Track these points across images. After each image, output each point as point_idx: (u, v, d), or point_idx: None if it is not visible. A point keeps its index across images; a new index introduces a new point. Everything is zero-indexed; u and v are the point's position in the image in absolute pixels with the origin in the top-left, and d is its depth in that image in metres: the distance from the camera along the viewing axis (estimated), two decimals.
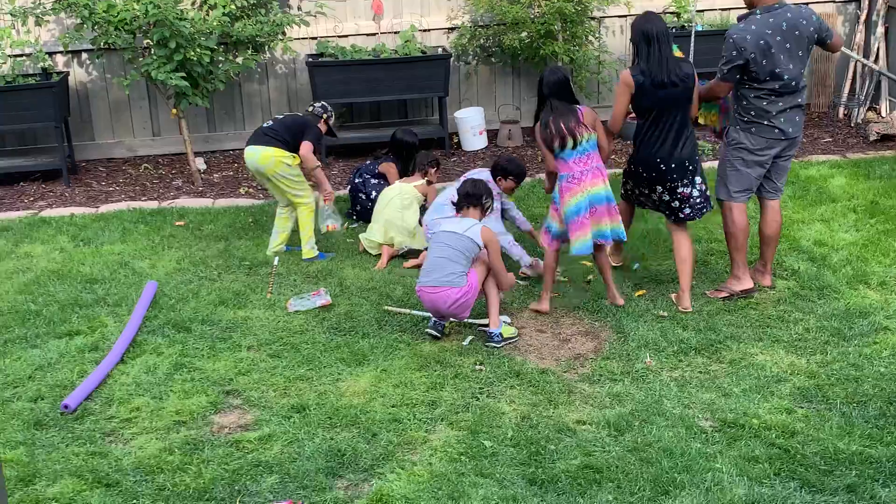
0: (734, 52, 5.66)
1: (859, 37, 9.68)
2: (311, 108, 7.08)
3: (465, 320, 5.82)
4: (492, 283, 5.65)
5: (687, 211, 5.86)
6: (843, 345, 5.40)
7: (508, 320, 5.82)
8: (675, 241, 5.96)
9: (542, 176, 6.70)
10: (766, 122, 5.75)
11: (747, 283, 5.98)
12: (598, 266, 6.01)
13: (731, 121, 5.91)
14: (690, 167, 5.78)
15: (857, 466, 4.29)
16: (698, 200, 5.85)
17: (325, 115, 7.01)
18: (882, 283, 6.11)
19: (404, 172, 7.45)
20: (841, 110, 9.78)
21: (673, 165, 5.73)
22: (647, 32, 5.68)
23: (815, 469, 4.30)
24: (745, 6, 5.84)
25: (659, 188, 5.82)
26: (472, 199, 5.76)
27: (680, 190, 5.80)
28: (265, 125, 6.91)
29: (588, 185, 5.73)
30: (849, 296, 5.97)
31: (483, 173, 6.59)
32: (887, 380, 4.99)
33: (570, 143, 5.71)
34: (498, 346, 5.53)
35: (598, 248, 5.86)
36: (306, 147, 6.73)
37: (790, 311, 5.83)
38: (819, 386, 5.00)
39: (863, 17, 9.69)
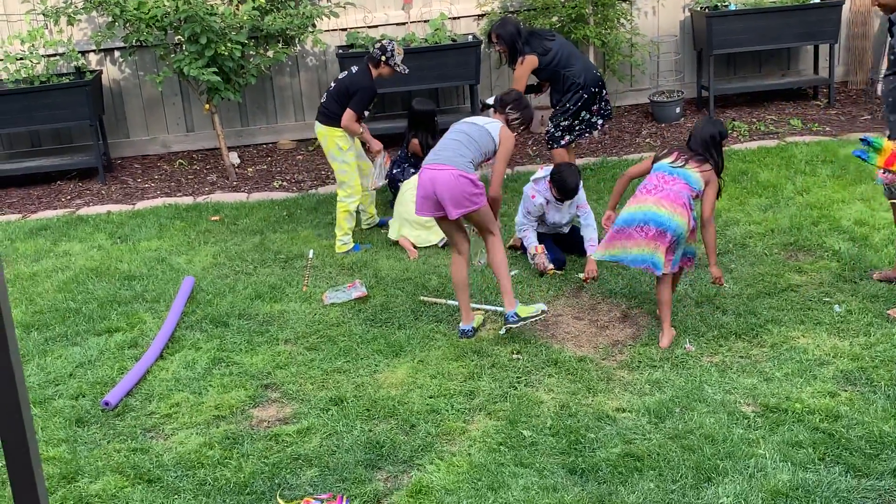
0: None
1: None
2: (372, 50, 6.93)
3: (494, 309, 5.79)
4: (501, 263, 5.46)
5: None
6: (886, 326, 5.30)
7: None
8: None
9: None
10: None
11: None
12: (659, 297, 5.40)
13: None
14: None
15: None
16: None
17: (383, 58, 6.80)
18: None
19: (426, 144, 7.36)
20: (879, 86, 9.58)
21: None
22: None
23: (860, 453, 4.22)
24: None
25: None
26: (499, 104, 5.68)
27: None
28: (323, 96, 6.97)
29: (652, 202, 5.22)
30: (873, 270, 5.86)
31: (546, 171, 6.45)
32: None
33: (670, 160, 5.35)
34: (515, 325, 5.38)
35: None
36: (347, 118, 6.73)
37: (832, 293, 5.74)
38: (863, 368, 4.91)
39: None
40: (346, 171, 6.86)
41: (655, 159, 5.45)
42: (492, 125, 5.50)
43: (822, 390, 4.74)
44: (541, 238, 6.43)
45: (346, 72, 7.00)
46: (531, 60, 7.05)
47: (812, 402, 4.64)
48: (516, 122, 5.64)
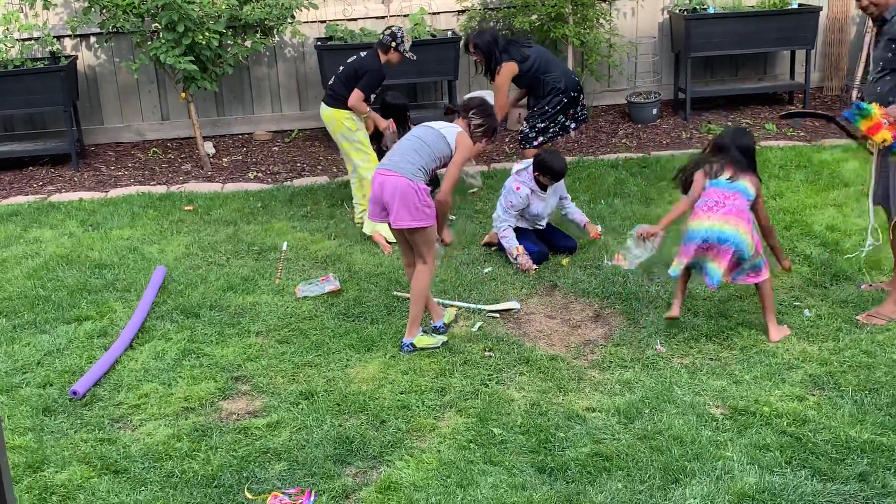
0: None
1: (869, 23, 9.55)
2: (381, 36, 7.01)
3: (477, 308, 5.80)
4: (421, 292, 5.31)
5: None
6: (855, 332, 5.35)
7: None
8: None
9: None
10: None
11: None
12: (760, 300, 5.41)
13: None
14: None
15: (868, 455, 4.25)
16: None
17: (393, 44, 6.90)
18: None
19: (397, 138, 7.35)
20: (854, 93, 9.68)
21: None
22: None
23: (826, 457, 4.26)
24: None
25: None
26: (462, 109, 5.55)
27: None
28: (331, 80, 7.00)
29: (715, 218, 5.18)
30: (862, 282, 5.91)
31: (526, 162, 6.51)
32: None
33: (726, 175, 5.30)
34: (406, 353, 5.32)
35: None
36: (354, 98, 6.80)
37: (802, 298, 5.78)
38: (831, 373, 4.95)
39: None
40: (361, 149, 6.91)
41: (712, 174, 5.33)
42: (449, 130, 5.37)
43: (791, 394, 4.78)
44: (520, 233, 6.44)
45: (356, 56, 7.05)
46: (511, 67, 7.08)
47: (780, 406, 4.67)
48: (479, 128, 5.45)
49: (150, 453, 4.50)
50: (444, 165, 5.35)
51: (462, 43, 9.24)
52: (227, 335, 5.61)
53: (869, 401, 4.68)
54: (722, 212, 5.19)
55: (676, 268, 5.31)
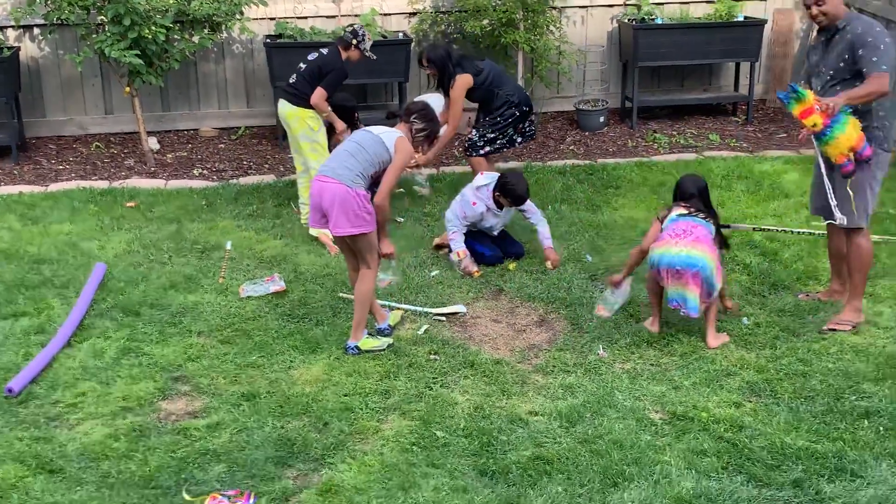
0: (894, 49, 5.14)
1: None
2: (343, 33, 7.00)
3: (423, 311, 5.80)
4: (365, 295, 5.30)
5: None
6: (792, 340, 5.46)
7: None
8: None
9: None
10: (888, 139, 5.38)
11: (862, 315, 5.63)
12: (647, 289, 5.60)
13: (874, 139, 5.28)
14: None
15: (803, 462, 4.33)
16: None
17: (354, 41, 6.90)
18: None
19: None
20: None
21: None
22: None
23: (761, 463, 4.34)
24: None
25: None
26: (405, 113, 5.51)
27: None
28: (292, 77, 6.94)
29: (685, 245, 5.24)
30: (800, 291, 6.03)
31: (493, 179, 6.48)
32: (834, 375, 5.06)
33: (688, 211, 5.42)
34: (352, 355, 5.31)
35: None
36: (317, 96, 6.78)
37: (741, 306, 5.88)
38: (768, 380, 5.04)
39: None
40: (319, 150, 6.86)
41: (663, 218, 5.48)
42: (388, 134, 5.31)
43: (728, 400, 4.86)
44: (474, 235, 6.46)
45: (317, 53, 7.02)
46: (466, 80, 7.13)
47: (718, 412, 4.75)
48: (421, 133, 5.44)
49: (86, 453, 4.43)
50: (383, 169, 5.29)
51: (416, 32, 9.29)
52: (167, 334, 5.54)
53: (804, 408, 4.77)
54: (689, 239, 5.28)
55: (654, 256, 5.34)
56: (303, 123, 6.88)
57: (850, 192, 5.29)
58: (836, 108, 5.02)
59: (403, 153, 5.29)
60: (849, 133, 5.09)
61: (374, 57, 7.11)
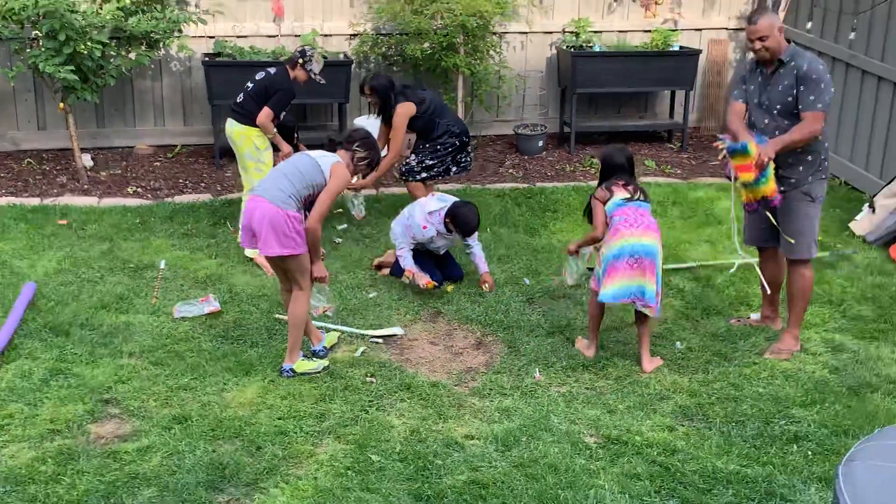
0: (833, 87, 5.29)
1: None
2: (293, 53, 6.95)
3: (360, 333, 5.77)
4: (299, 318, 5.26)
5: None
6: (724, 364, 5.55)
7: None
8: None
9: None
10: (828, 164, 5.49)
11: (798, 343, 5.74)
12: (638, 331, 5.54)
13: (811, 174, 5.39)
14: None
15: (734, 486, 4.40)
16: None
17: (300, 61, 6.87)
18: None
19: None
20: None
21: None
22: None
23: (693, 487, 4.39)
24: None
25: None
26: (347, 141, 5.47)
27: None
28: (240, 96, 6.90)
29: (637, 233, 5.31)
30: (732, 317, 6.14)
31: (446, 203, 6.46)
32: (765, 400, 5.15)
33: (637, 195, 5.46)
34: (288, 377, 5.26)
35: (643, 315, 5.45)
36: (263, 116, 6.74)
37: (675, 330, 5.96)
38: (700, 405, 5.12)
39: None
40: (263, 171, 6.78)
41: (603, 200, 5.48)
42: (325, 158, 5.29)
43: (661, 424, 4.91)
44: (416, 257, 6.46)
45: (264, 72, 6.99)
46: (409, 108, 7.17)
47: (651, 436, 4.80)
48: (363, 161, 5.44)
49: (12, 476, 4.30)
50: (318, 193, 5.24)
51: (357, 53, 9.31)
52: (98, 355, 5.42)
53: (735, 432, 4.85)
54: (642, 227, 5.34)
55: (619, 288, 5.31)
56: (248, 142, 6.83)
57: (798, 227, 5.43)
58: (769, 161, 5.16)
59: (339, 178, 5.26)
60: (771, 185, 5.27)
61: (323, 81, 7.08)
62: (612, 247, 5.34)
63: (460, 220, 6.35)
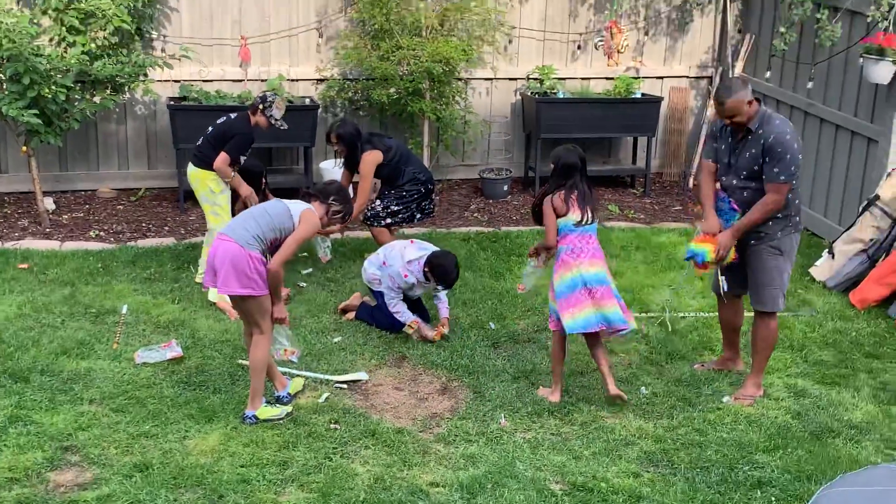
0: (800, 156, 5.37)
1: (711, 111, 10.18)
2: (253, 100, 6.93)
3: (324, 378, 5.74)
4: (260, 362, 5.22)
5: None
6: (688, 410, 5.57)
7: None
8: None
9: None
10: (799, 218, 5.57)
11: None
12: (594, 356, 5.64)
13: (781, 229, 5.46)
14: None
15: None
16: None
17: (261, 106, 6.85)
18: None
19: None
20: (691, 180, 10.23)
21: None
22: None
23: None
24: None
25: None
26: (322, 194, 5.44)
27: None
28: (200, 139, 6.92)
29: (586, 264, 5.45)
30: (696, 362, 6.18)
31: (425, 251, 6.45)
32: (729, 445, 5.17)
33: (586, 220, 5.50)
34: (250, 425, 5.21)
35: (594, 336, 5.58)
36: (220, 160, 6.73)
37: (640, 375, 5.99)
38: (665, 450, 5.13)
39: (714, 93, 10.21)
40: (219, 213, 6.79)
41: (558, 209, 5.50)
42: (296, 205, 5.30)
43: (627, 470, 4.92)
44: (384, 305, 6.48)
45: (225, 117, 7.00)
46: (376, 156, 7.23)
47: (617, 482, 4.79)
48: (338, 214, 5.45)
49: None
50: (284, 237, 5.22)
51: (323, 98, 9.35)
52: (58, 402, 5.34)
53: (700, 478, 4.86)
54: (588, 256, 5.46)
55: (584, 319, 5.41)
56: (203, 185, 6.83)
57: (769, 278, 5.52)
58: (728, 252, 5.44)
59: (308, 224, 5.26)
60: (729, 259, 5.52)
61: (285, 126, 7.07)
62: (564, 279, 5.44)
63: (439, 272, 6.34)
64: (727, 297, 5.76)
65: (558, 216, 5.51)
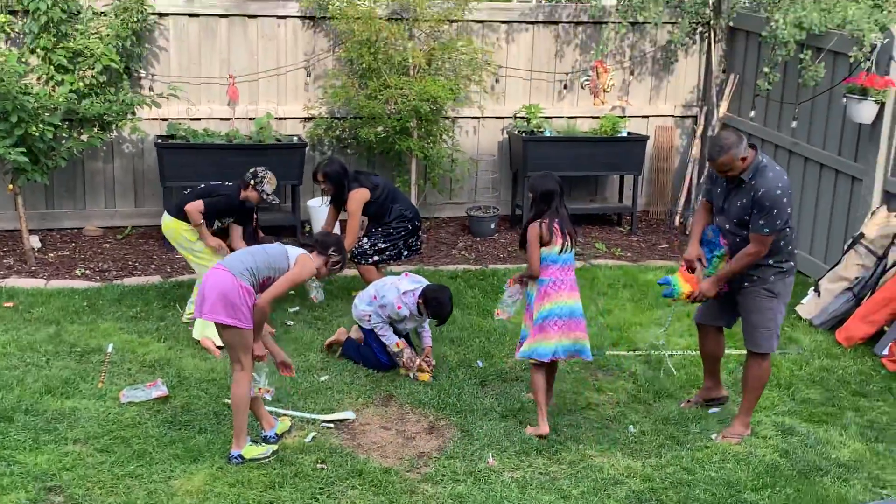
0: (790, 208, 5.39)
1: (696, 150, 10.27)
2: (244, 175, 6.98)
3: (311, 417, 5.70)
4: (241, 400, 5.18)
5: None
6: (676, 448, 5.56)
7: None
8: None
9: None
10: (793, 263, 5.58)
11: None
12: (535, 386, 5.68)
13: (773, 274, 5.47)
14: None
15: None
16: None
17: (252, 182, 6.85)
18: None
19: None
20: (677, 218, 10.30)
21: None
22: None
23: None
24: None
25: None
26: (320, 246, 5.47)
27: None
28: (188, 191, 6.99)
29: (565, 296, 5.62)
30: (683, 400, 6.18)
31: (419, 284, 6.48)
32: (717, 484, 5.16)
33: (567, 247, 5.62)
34: (237, 464, 5.18)
35: (551, 365, 5.74)
36: (192, 205, 6.78)
37: (627, 413, 5.98)
38: (653, 489, 5.10)
39: (699, 132, 10.31)
40: (202, 257, 6.85)
41: (542, 238, 5.59)
42: (294, 249, 5.37)
43: None
44: (372, 342, 6.45)
45: (219, 183, 7.11)
46: (363, 194, 7.26)
47: None
48: (337, 266, 5.49)
49: None
50: (276, 277, 5.25)
51: (311, 137, 9.39)
52: (42, 442, 5.28)
53: None
54: (567, 289, 5.62)
55: (544, 347, 5.59)
56: (178, 235, 6.90)
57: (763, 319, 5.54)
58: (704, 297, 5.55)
59: (303, 268, 5.29)
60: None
61: (276, 201, 7.06)
62: (543, 309, 5.60)
63: (434, 305, 6.34)
64: (702, 328, 5.87)
65: (543, 244, 5.59)
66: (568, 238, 5.62)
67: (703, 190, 5.87)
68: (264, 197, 6.90)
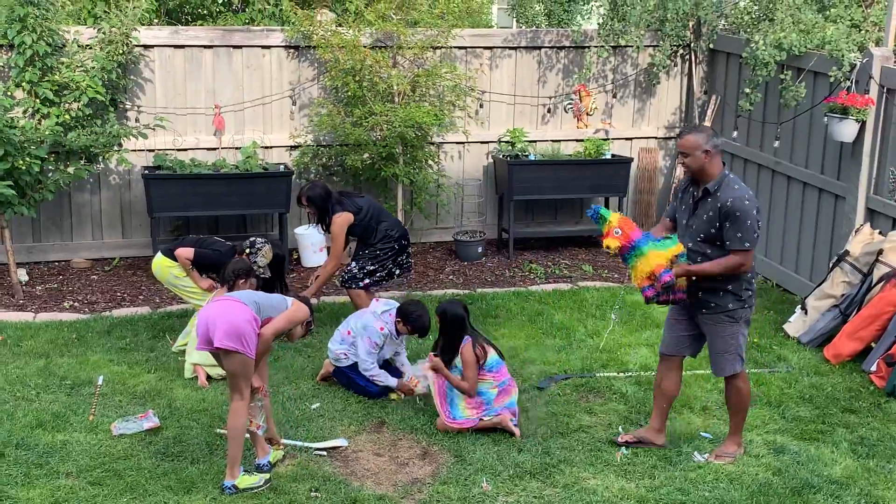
0: (760, 221, 5.33)
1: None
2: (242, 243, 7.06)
3: (304, 445, 5.70)
4: (238, 430, 5.22)
5: None
6: (669, 469, 5.57)
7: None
8: None
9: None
10: (751, 293, 5.51)
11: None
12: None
13: (732, 302, 5.40)
14: None
15: None
16: None
17: (248, 251, 6.87)
18: (704, 408, 6.39)
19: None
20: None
21: None
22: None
23: None
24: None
25: None
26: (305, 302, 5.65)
27: None
28: (185, 237, 7.19)
29: (514, 391, 6.15)
30: (674, 420, 6.20)
31: (392, 305, 6.54)
32: None
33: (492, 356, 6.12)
34: (231, 494, 5.17)
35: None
36: (184, 252, 6.90)
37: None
38: None
39: None
40: (195, 291, 6.98)
41: (479, 357, 6.07)
42: (291, 297, 5.60)
43: None
44: (357, 370, 6.45)
45: (221, 240, 7.20)
46: (347, 217, 7.27)
47: None
48: (310, 326, 5.67)
49: None
50: (270, 318, 5.38)
51: (298, 165, 9.43)
52: (33, 476, 5.25)
53: None
54: (514, 386, 6.16)
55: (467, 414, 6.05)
56: (166, 272, 7.04)
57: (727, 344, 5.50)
58: (681, 284, 5.36)
59: (299, 310, 5.48)
60: (648, 260, 5.25)
61: (268, 275, 6.95)
62: (504, 402, 6.05)
63: (413, 318, 6.38)
64: (665, 359, 5.79)
65: (479, 362, 6.03)
66: (491, 347, 6.15)
67: (666, 209, 5.77)
68: (255, 268, 6.82)
